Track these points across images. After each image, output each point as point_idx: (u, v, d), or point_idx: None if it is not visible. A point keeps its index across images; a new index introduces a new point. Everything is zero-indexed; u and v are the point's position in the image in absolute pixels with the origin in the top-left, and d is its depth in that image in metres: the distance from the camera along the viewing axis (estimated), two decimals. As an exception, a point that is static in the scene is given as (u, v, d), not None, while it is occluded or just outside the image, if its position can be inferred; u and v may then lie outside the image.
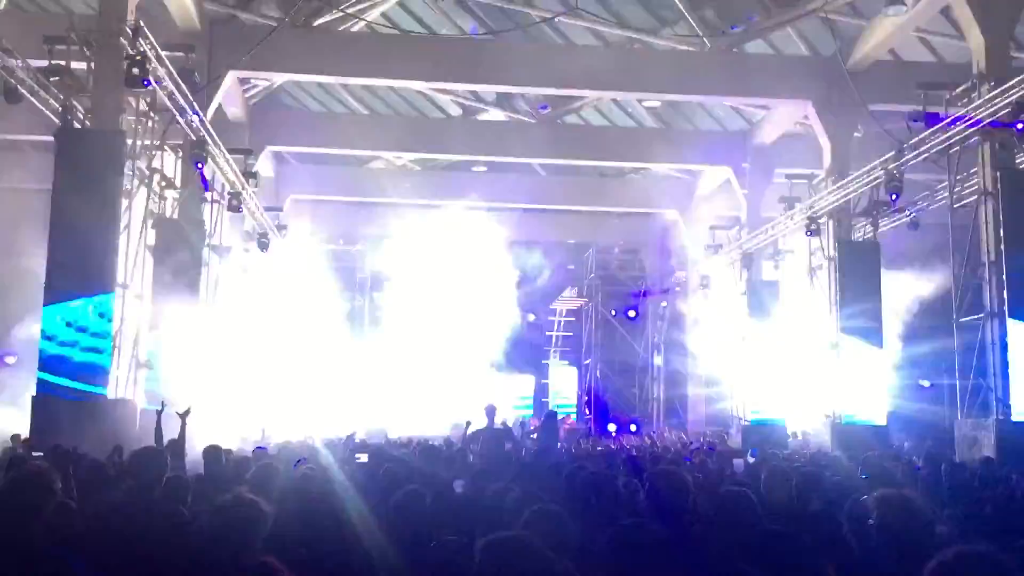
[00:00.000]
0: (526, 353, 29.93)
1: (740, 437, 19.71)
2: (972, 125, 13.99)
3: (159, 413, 8.91)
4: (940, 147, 14.95)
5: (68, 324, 11.64)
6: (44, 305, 11.72)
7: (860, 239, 18.12)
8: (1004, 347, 13.38)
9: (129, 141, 12.78)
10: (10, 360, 18.43)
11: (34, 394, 11.47)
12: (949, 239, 15.12)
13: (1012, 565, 2.63)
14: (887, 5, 14.83)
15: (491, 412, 11.94)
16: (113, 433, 10.43)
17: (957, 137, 14.51)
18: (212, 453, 7.95)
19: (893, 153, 15.80)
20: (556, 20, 18.28)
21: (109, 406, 11.75)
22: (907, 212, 17.65)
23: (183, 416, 8.91)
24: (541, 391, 31.23)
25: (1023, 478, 8.84)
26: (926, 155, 15.34)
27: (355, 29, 18.46)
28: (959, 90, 14.80)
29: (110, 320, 11.95)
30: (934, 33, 17.77)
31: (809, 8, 17.40)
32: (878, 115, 17.43)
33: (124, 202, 12.62)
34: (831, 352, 17.49)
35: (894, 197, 15.98)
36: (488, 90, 20.97)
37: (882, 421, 16.82)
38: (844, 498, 5.31)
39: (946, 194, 15.82)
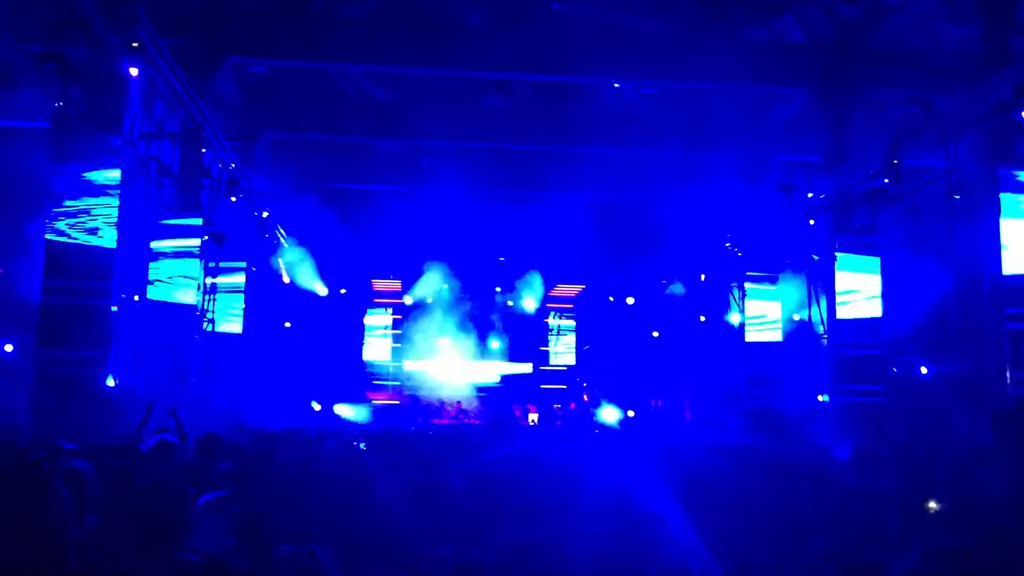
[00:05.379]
0: (523, 340, 30.14)
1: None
2: (972, 111, 13.94)
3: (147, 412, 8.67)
4: (939, 134, 14.90)
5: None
6: (42, 294, 11.66)
7: (858, 226, 18.07)
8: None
9: (126, 128, 12.70)
10: None
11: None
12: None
13: None
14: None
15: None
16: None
17: (957, 123, 14.45)
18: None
19: (892, 140, 15.74)
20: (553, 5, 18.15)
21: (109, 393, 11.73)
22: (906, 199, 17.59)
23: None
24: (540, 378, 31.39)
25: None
26: (925, 142, 15.30)
27: (352, 14, 18.32)
28: (959, 76, 14.75)
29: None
30: (935, 18, 17.66)
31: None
32: (877, 101, 17.36)
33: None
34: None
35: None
36: (484, 76, 20.81)
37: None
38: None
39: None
